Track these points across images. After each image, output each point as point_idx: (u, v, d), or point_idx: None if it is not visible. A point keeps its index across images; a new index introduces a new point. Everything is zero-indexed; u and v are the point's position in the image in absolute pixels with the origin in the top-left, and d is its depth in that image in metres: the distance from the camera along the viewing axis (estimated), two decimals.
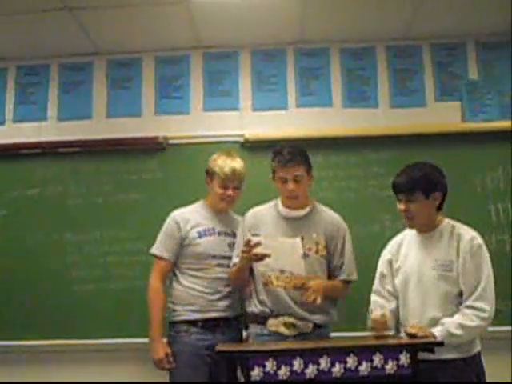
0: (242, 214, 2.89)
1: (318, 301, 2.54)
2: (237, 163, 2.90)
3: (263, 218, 2.79)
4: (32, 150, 3.58)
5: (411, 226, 2.54)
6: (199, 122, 3.64)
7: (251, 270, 2.75)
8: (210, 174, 2.94)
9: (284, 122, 3.61)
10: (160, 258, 2.90)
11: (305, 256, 2.63)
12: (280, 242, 2.61)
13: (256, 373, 2.07)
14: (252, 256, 2.58)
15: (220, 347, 2.34)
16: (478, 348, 2.41)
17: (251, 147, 3.49)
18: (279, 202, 2.82)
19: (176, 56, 3.73)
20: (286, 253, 2.58)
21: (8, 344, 3.39)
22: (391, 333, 2.43)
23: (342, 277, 2.74)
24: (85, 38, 3.54)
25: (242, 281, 2.78)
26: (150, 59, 3.74)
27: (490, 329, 2.43)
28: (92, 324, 3.38)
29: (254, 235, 2.66)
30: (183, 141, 3.55)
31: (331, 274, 2.76)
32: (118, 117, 3.69)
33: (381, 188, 3.38)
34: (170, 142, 3.55)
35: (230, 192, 2.88)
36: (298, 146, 2.78)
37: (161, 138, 3.53)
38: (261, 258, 2.57)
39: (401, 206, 2.49)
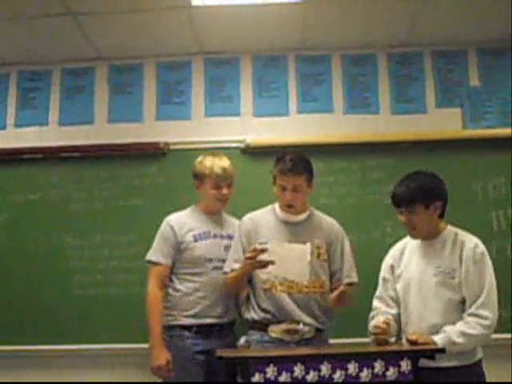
0: (240, 218, 2.89)
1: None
2: (225, 162, 2.90)
3: (261, 223, 2.78)
4: (33, 155, 3.58)
5: (414, 237, 2.52)
6: (200, 128, 3.65)
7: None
8: (199, 177, 2.93)
9: (285, 128, 3.61)
10: (157, 264, 2.89)
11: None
12: (288, 249, 2.59)
13: (257, 379, 2.05)
14: (256, 263, 2.56)
15: (220, 353, 2.32)
16: (479, 356, 2.40)
17: (252, 153, 3.49)
18: (277, 206, 2.82)
19: (177, 62, 3.74)
20: (292, 259, 2.56)
21: (7, 348, 3.37)
22: (392, 339, 2.43)
23: (343, 280, 2.73)
24: (86, 43, 3.54)
25: (240, 287, 2.77)
26: (151, 65, 3.75)
27: (491, 336, 2.42)
28: (92, 329, 3.37)
29: (260, 243, 2.63)
30: (184, 146, 3.54)
31: (332, 278, 2.76)
32: (119, 122, 3.69)
33: (382, 194, 3.37)
34: (171, 147, 3.55)
35: (224, 191, 2.88)
36: (301, 154, 2.77)
37: (162, 144, 3.53)
38: (265, 265, 2.55)
39: (402, 218, 2.48)
